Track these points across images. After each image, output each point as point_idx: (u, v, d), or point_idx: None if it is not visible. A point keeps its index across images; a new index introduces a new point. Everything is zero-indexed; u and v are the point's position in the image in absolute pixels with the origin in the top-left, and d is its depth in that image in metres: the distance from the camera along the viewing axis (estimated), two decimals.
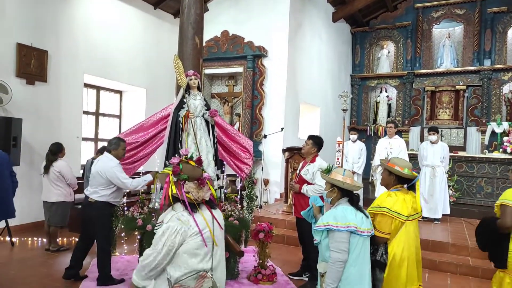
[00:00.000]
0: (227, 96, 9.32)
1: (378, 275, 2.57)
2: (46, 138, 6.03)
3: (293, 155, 6.76)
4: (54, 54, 6.53)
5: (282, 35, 8.41)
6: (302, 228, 4.28)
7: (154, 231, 2.10)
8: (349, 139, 7.87)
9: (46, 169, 5.08)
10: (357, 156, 7.67)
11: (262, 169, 7.78)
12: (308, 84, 9.61)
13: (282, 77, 8.39)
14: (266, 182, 8.04)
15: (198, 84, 4.48)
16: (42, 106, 6.39)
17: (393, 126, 6.93)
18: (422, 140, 10.86)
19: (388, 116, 12.03)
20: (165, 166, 4.31)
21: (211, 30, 8.40)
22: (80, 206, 6.03)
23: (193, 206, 2.00)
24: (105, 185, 3.88)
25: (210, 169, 4.37)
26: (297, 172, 4.46)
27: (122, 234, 4.85)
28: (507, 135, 8.26)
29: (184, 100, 4.35)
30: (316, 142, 4.31)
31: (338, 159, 6.70)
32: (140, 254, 4.04)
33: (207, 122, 4.46)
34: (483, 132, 10.29)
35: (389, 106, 12.19)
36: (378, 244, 2.58)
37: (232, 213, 4.40)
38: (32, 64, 6.16)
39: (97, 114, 8.06)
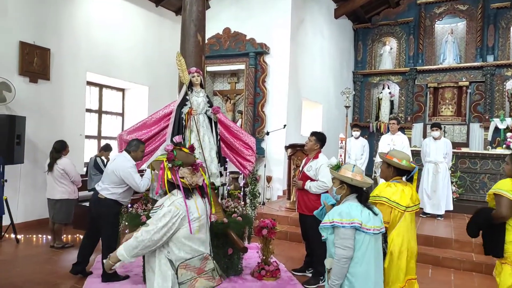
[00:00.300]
0: (229, 94, 9.33)
1: None
2: (49, 136, 6.06)
3: (296, 152, 6.76)
4: (56, 52, 6.55)
5: (284, 32, 8.39)
6: (306, 224, 4.29)
7: (151, 214, 2.18)
8: (352, 135, 7.87)
9: (50, 167, 5.10)
10: (359, 152, 7.67)
11: (264, 166, 7.79)
12: (310, 81, 9.60)
13: (284, 74, 8.38)
14: (268, 179, 8.05)
15: (201, 81, 4.48)
16: (45, 104, 6.42)
17: (395, 123, 6.92)
18: (424, 136, 10.85)
19: (391, 112, 12.00)
20: None
21: (212, 28, 8.40)
22: (84, 204, 6.10)
23: (187, 191, 2.08)
24: (118, 184, 3.90)
25: (213, 166, 4.38)
26: (300, 168, 4.46)
27: (126, 231, 4.87)
28: (510, 131, 8.23)
29: (187, 97, 4.36)
30: (319, 138, 4.32)
31: (340, 155, 6.69)
32: None
33: (210, 119, 4.47)
34: (486, 128, 10.26)
35: (392, 102, 12.17)
36: None
37: (235, 209, 4.41)
38: (35, 62, 6.18)
39: (100, 112, 8.08)
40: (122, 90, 8.65)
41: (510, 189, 2.78)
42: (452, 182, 7.09)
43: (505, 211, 2.73)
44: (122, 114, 8.67)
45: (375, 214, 2.38)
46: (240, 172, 5.06)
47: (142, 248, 2.01)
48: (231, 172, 7.13)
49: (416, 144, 10.31)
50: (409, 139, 10.44)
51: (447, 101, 11.27)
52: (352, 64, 12.63)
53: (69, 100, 6.83)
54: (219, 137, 4.56)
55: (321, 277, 4.17)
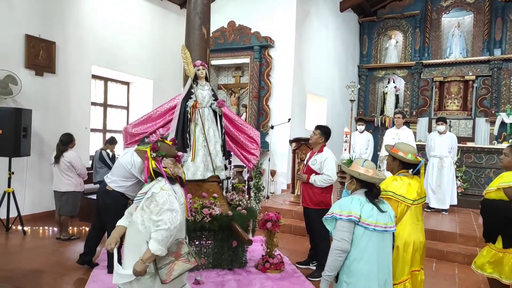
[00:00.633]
0: (234, 87, 9.32)
1: None
2: (55, 129, 6.10)
3: (300, 146, 6.76)
4: (62, 46, 6.56)
5: (289, 25, 8.34)
6: (310, 217, 4.31)
7: (135, 200, 2.28)
8: (356, 129, 7.84)
9: (57, 159, 5.14)
10: (364, 147, 7.64)
11: (269, 160, 7.80)
12: (315, 75, 9.55)
13: (289, 68, 8.35)
14: (273, 173, 8.07)
15: (206, 74, 4.49)
16: (51, 97, 6.45)
17: (401, 117, 6.88)
18: (430, 131, 10.79)
19: (396, 107, 11.93)
20: None
21: (217, 21, 8.36)
22: (90, 196, 6.16)
23: (171, 179, 2.21)
24: (127, 177, 3.90)
25: (218, 159, 4.40)
26: (305, 162, 4.47)
27: None
28: None
29: (192, 90, 4.36)
30: (324, 132, 4.31)
31: (345, 149, 6.69)
32: None
33: (215, 112, 4.48)
34: (492, 123, 10.17)
35: (397, 97, 12.09)
36: None
37: (240, 202, 4.43)
38: (41, 55, 6.20)
39: (105, 105, 8.11)
40: (127, 83, 8.67)
41: None
42: (457, 177, 7.06)
43: None
44: (127, 108, 8.70)
45: (382, 211, 2.29)
46: (245, 165, 5.07)
47: (174, 232, 2.13)
48: (236, 166, 7.15)
49: (421, 138, 10.25)
50: (414, 133, 10.35)
51: (453, 95, 11.19)
52: (357, 58, 12.55)
53: (74, 93, 6.86)
54: (224, 130, 4.56)
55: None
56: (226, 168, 4.57)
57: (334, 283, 2.37)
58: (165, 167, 2.17)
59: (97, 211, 4.22)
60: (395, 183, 2.73)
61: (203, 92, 4.42)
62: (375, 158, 8.20)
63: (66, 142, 5.18)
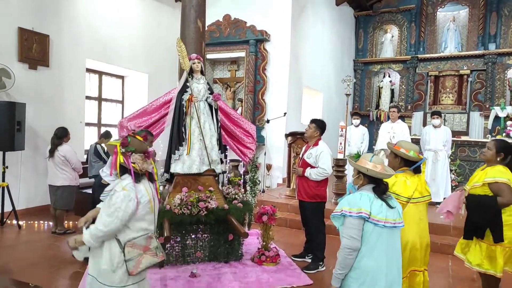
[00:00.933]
0: (229, 81, 9.29)
1: None
2: (50, 123, 6.06)
3: (296, 140, 6.77)
4: (55, 39, 6.50)
5: (284, 19, 8.31)
6: (306, 210, 4.33)
7: (102, 197, 2.34)
8: (352, 124, 7.86)
9: (51, 153, 5.12)
10: (359, 140, 7.67)
11: (265, 154, 7.80)
12: (311, 69, 9.55)
13: (284, 62, 8.33)
14: (268, 167, 8.08)
15: (202, 68, 4.47)
16: (45, 91, 6.40)
17: (396, 111, 6.90)
18: (424, 125, 10.85)
19: (391, 101, 11.98)
20: (169, 151, 4.34)
21: (212, 14, 8.30)
22: (85, 190, 6.14)
23: (137, 176, 2.23)
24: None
25: (213, 152, 4.40)
26: (300, 155, 4.48)
27: None
28: (511, 119, 8.22)
29: (188, 84, 4.35)
30: (319, 125, 4.32)
31: (341, 143, 6.70)
32: None
33: (210, 106, 4.47)
34: (486, 117, 10.26)
35: (392, 91, 12.13)
36: None
37: (236, 196, 4.44)
38: (34, 48, 6.14)
39: (99, 99, 8.06)
40: (122, 77, 8.61)
41: (507, 176, 2.98)
42: (451, 170, 7.12)
43: (510, 197, 2.91)
44: (122, 102, 8.65)
45: (391, 207, 2.24)
46: (241, 159, 5.08)
47: (108, 235, 2.16)
48: (232, 160, 7.15)
49: (416, 132, 10.32)
50: (409, 127, 10.43)
51: (448, 89, 11.24)
52: (353, 52, 12.55)
53: (69, 87, 6.81)
54: (219, 124, 4.56)
55: (320, 263, 4.23)
56: (222, 162, 4.57)
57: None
58: (134, 163, 2.20)
59: (93, 205, 4.21)
60: (389, 180, 2.66)
61: (199, 86, 4.40)
62: (370, 152, 8.23)
63: (61, 136, 5.15)
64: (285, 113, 7.84)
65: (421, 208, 2.76)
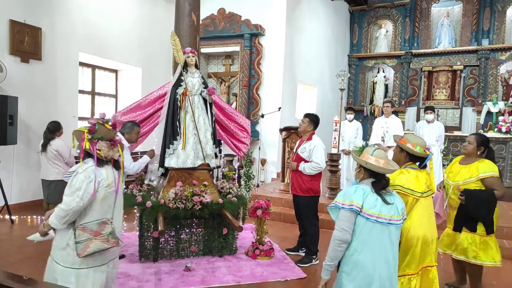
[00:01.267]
0: (224, 76, 9.26)
1: None
2: (42, 117, 6.01)
3: (290, 134, 6.79)
4: (48, 32, 6.42)
5: (279, 13, 8.29)
6: (299, 204, 4.35)
7: (64, 177, 2.41)
8: (346, 118, 7.89)
9: (44, 148, 5.07)
10: (353, 135, 7.69)
11: (259, 149, 7.81)
12: (306, 64, 9.55)
13: (279, 57, 8.32)
14: (263, 162, 8.10)
15: (196, 61, 4.45)
16: (38, 85, 6.33)
17: (390, 106, 6.93)
18: (418, 120, 10.92)
19: (385, 96, 12.03)
20: (164, 145, 4.34)
21: (207, 8, 8.25)
22: None
23: (100, 161, 2.29)
24: None
25: (208, 147, 4.40)
26: (294, 150, 4.49)
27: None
28: (503, 115, 8.30)
29: (182, 77, 4.33)
30: (313, 120, 4.33)
31: (335, 138, 6.73)
32: (140, 230, 4.11)
33: (205, 100, 4.46)
34: (479, 112, 10.35)
35: (386, 86, 12.18)
36: None
37: (230, 190, 4.45)
38: (26, 41, 6.06)
39: (93, 93, 8.00)
40: (115, 71, 8.54)
41: (496, 170, 3.12)
42: (443, 165, 7.19)
43: (503, 190, 3.05)
44: (115, 96, 8.59)
45: (387, 203, 2.19)
46: (235, 154, 5.08)
47: (72, 215, 2.22)
48: (226, 155, 7.15)
49: (410, 127, 10.38)
50: (403, 122, 10.51)
51: (441, 85, 11.32)
52: (348, 47, 12.56)
53: (61, 81, 6.74)
54: (214, 118, 4.55)
55: (314, 256, 4.26)
56: (216, 157, 4.57)
57: (336, 272, 2.32)
58: (99, 149, 2.27)
59: None
60: (402, 176, 2.64)
61: (193, 80, 4.39)
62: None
63: (53, 130, 5.09)
64: (279, 108, 7.84)
65: (428, 202, 2.73)
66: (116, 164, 2.40)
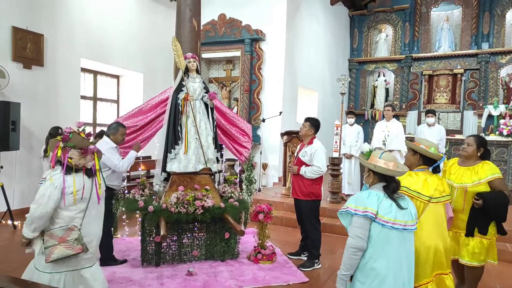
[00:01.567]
0: (225, 81, 9.30)
1: None
2: (44, 123, 6.04)
3: (291, 138, 6.80)
4: (50, 38, 6.47)
5: (280, 18, 8.34)
6: (301, 208, 4.35)
7: (39, 184, 2.45)
8: (347, 122, 7.90)
9: (46, 153, 5.09)
10: (354, 139, 7.69)
11: (260, 153, 7.83)
12: (306, 68, 9.58)
13: (280, 61, 8.36)
14: (264, 166, 8.11)
15: (197, 66, 4.48)
16: (40, 91, 6.37)
17: (390, 110, 6.95)
18: (419, 124, 10.92)
19: (386, 100, 12.05)
20: (166, 150, 4.35)
21: (208, 14, 8.32)
22: None
23: (69, 169, 2.35)
24: (102, 168, 3.87)
25: (209, 151, 4.41)
26: (295, 154, 4.50)
27: (124, 217, 4.92)
28: (504, 118, 8.31)
29: (183, 83, 4.36)
30: (313, 124, 4.34)
31: (336, 142, 6.74)
32: (142, 235, 4.11)
33: (206, 105, 4.49)
34: (480, 116, 10.36)
35: (387, 90, 12.20)
36: None
37: (232, 194, 4.46)
38: (28, 48, 6.11)
39: (94, 99, 8.04)
40: (117, 77, 8.59)
41: (499, 171, 3.10)
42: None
43: (508, 190, 3.03)
44: (117, 101, 8.63)
45: (402, 207, 2.12)
46: (237, 158, 5.09)
47: (37, 222, 2.28)
48: (228, 159, 7.16)
49: (411, 131, 10.40)
50: (404, 126, 10.52)
51: (442, 88, 11.33)
52: (348, 52, 12.60)
53: (63, 87, 6.78)
54: (215, 123, 4.57)
55: (316, 260, 4.26)
56: (218, 161, 4.58)
57: (349, 282, 2.23)
58: (70, 158, 2.32)
59: None
60: (409, 178, 2.58)
61: (194, 85, 4.41)
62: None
63: (55, 135, 5.11)
64: (280, 112, 7.86)
65: (440, 208, 2.63)
66: (89, 173, 2.44)
